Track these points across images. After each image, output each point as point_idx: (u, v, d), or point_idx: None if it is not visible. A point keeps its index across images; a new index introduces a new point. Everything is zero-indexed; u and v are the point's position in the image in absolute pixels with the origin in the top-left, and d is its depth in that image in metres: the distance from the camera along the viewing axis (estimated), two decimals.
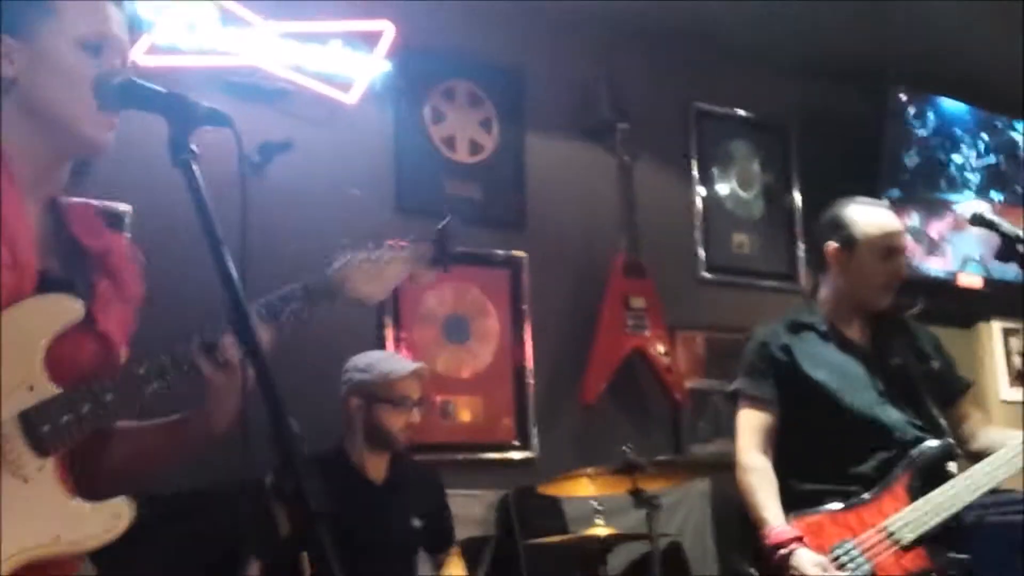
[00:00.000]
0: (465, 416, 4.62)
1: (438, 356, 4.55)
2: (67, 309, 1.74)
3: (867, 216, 3.27)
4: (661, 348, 4.94)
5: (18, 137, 1.77)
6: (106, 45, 1.80)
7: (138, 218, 3.93)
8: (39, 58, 1.77)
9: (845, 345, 3.24)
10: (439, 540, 3.72)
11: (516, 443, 4.70)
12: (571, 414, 4.84)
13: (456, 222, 2.08)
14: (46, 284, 1.75)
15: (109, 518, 1.68)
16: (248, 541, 1.59)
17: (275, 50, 4.23)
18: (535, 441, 4.72)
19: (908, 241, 3.41)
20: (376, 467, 3.61)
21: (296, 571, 1.65)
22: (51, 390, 1.69)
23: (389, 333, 4.43)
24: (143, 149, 3.74)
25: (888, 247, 3.22)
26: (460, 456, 4.53)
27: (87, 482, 1.76)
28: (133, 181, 3.86)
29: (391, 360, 3.73)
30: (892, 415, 3.13)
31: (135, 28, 3.88)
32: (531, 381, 4.77)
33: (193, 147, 1.58)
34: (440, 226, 2.05)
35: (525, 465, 4.66)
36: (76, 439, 1.70)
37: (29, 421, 1.66)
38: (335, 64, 4.36)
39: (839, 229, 3.27)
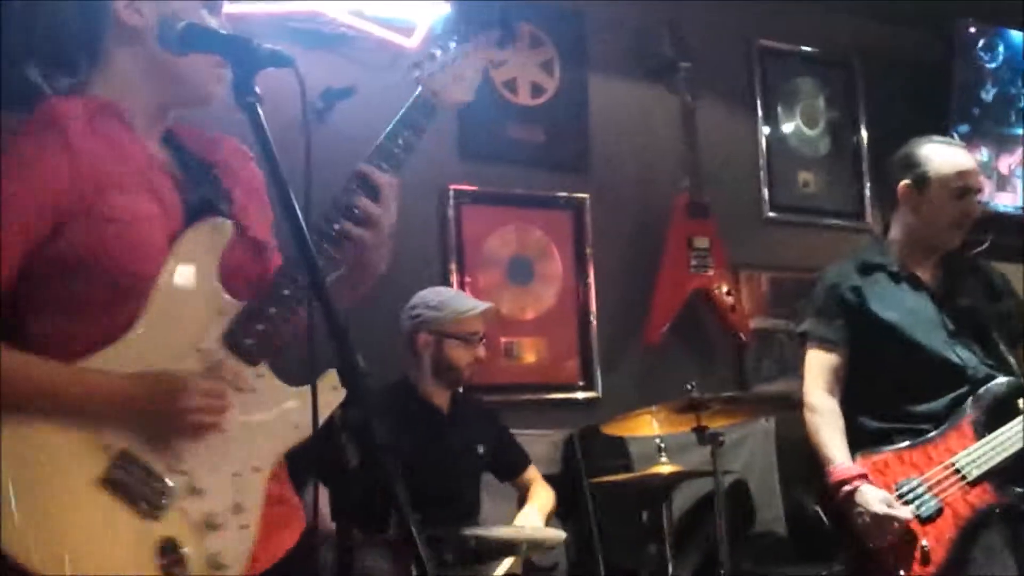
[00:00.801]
0: (529, 357, 4.65)
1: (502, 298, 4.57)
2: (218, 230, 1.84)
3: (941, 155, 3.23)
4: (724, 287, 4.92)
5: (140, 87, 1.86)
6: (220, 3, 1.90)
7: None
8: (165, 10, 1.82)
9: (916, 285, 3.23)
10: (511, 464, 3.86)
11: (580, 384, 4.73)
12: (634, 354, 4.86)
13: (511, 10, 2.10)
14: (190, 214, 1.83)
15: (331, 390, 1.66)
16: (312, 467, 1.65)
17: None
18: (599, 381, 4.75)
19: (981, 179, 3.34)
20: (441, 399, 3.72)
21: (362, 503, 1.71)
22: (237, 306, 1.80)
23: (453, 275, 4.47)
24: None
25: (961, 187, 3.20)
26: (525, 397, 4.57)
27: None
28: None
29: (461, 298, 3.81)
30: (962, 353, 3.12)
31: None
32: (594, 322, 4.78)
33: (257, 89, 1.61)
34: (499, 10, 2.10)
35: (589, 405, 4.70)
36: (277, 339, 1.81)
37: (233, 340, 1.78)
38: (396, 8, 4.35)
39: (912, 168, 3.25)
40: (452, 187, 4.52)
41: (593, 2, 5.02)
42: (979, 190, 3.27)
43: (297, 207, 1.54)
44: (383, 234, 1.88)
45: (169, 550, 1.65)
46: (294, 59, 1.68)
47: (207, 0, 1.89)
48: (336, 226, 1.84)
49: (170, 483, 1.69)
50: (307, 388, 1.69)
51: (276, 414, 1.79)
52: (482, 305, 3.73)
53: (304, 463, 1.80)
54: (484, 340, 3.75)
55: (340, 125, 4.22)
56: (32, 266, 1.71)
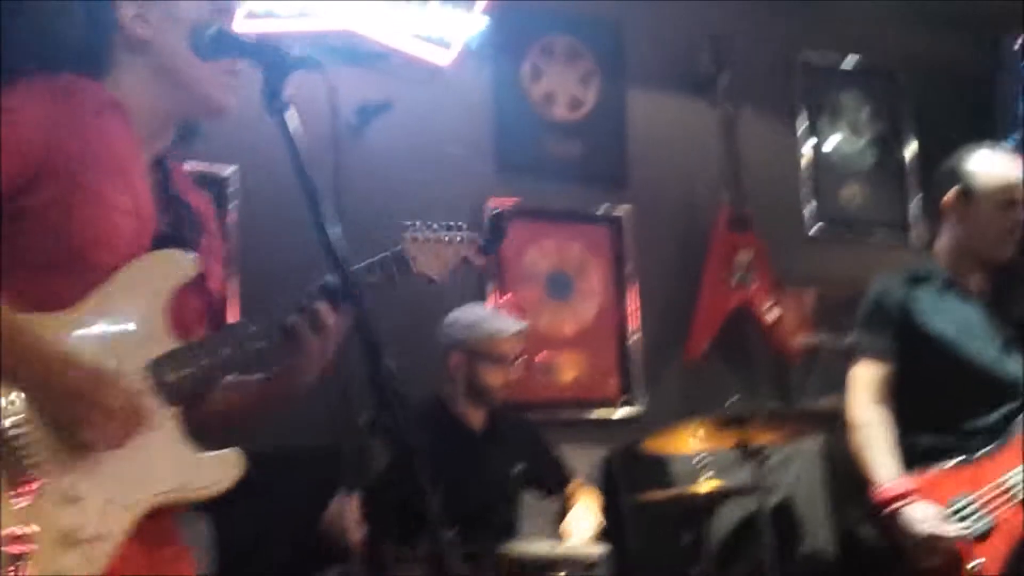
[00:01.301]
0: (569, 374, 4.60)
1: (541, 313, 4.53)
2: (186, 265, 1.82)
3: (987, 165, 3.18)
4: (769, 303, 4.84)
5: (145, 96, 1.84)
6: (233, 7, 1.88)
7: (242, 180, 3.99)
8: (172, 19, 1.81)
9: (965, 297, 3.18)
10: (553, 479, 3.78)
11: (621, 401, 4.67)
12: (676, 371, 4.79)
13: (508, 214, 2.15)
14: (161, 238, 1.81)
15: (227, 467, 1.76)
16: (345, 476, 1.61)
17: (372, 12, 4.22)
18: (640, 399, 4.68)
19: None
20: (476, 418, 3.67)
21: (392, 506, 1.67)
22: (171, 342, 1.76)
23: (492, 289, 4.43)
24: (246, 110, 3.88)
25: (1008, 198, 3.15)
26: (564, 414, 4.52)
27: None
28: (237, 142, 3.94)
29: (495, 319, 3.74)
30: (1013, 367, 3.07)
31: None
32: (635, 338, 4.72)
33: (287, 94, 1.60)
34: (493, 214, 2.13)
35: (630, 423, 4.63)
36: (196, 392, 1.78)
37: (157, 372, 1.73)
38: (433, 24, 4.34)
39: (958, 178, 3.21)
40: (490, 202, 4.48)
41: (632, 15, 4.98)
42: None
43: (326, 215, 1.53)
44: (327, 349, 1.86)
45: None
46: (322, 63, 1.68)
47: (217, 1, 1.86)
48: (290, 319, 1.83)
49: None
50: (211, 456, 1.75)
51: (171, 463, 1.74)
52: (515, 326, 3.67)
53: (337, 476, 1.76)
54: (520, 360, 3.69)
55: (377, 142, 4.21)
56: (7, 208, 1.68)
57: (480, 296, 4.36)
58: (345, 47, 4.17)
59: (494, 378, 3.59)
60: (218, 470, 1.77)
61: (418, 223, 2.03)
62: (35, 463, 1.59)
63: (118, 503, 1.67)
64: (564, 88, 4.79)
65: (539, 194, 4.61)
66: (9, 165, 1.65)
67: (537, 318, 4.48)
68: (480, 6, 4.41)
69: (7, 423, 1.57)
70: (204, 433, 1.85)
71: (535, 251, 4.60)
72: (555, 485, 3.78)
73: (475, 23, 4.43)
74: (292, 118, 1.60)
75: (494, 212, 2.15)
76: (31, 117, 1.69)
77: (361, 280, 1.89)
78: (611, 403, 4.66)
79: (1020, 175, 3.20)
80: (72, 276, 1.70)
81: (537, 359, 4.46)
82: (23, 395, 1.59)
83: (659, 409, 4.58)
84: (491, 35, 4.53)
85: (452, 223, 2.07)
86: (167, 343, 1.76)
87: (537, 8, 4.76)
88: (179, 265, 1.81)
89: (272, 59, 1.63)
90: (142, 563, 1.70)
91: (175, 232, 1.85)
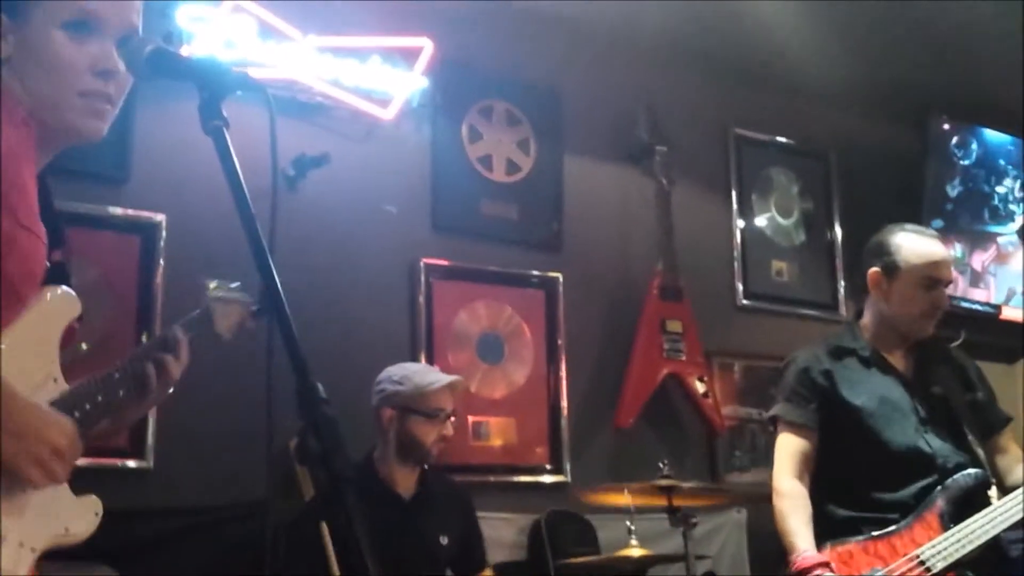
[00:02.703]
0: (498, 438, 4.54)
1: (472, 376, 4.48)
2: (74, 303, 1.81)
3: (912, 244, 3.21)
4: (698, 374, 4.85)
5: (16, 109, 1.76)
6: (95, 26, 1.76)
7: (171, 228, 3.90)
8: (25, 42, 1.74)
9: (887, 371, 3.20)
10: (470, 562, 3.64)
11: (549, 467, 4.62)
12: (605, 438, 4.76)
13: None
14: (49, 270, 1.78)
15: (94, 511, 1.77)
16: (271, 508, 1.55)
17: (313, 64, 4.22)
18: (568, 465, 4.63)
19: (953, 272, 3.33)
20: (406, 481, 3.55)
21: (319, 535, 1.60)
22: (63, 383, 1.75)
23: (423, 349, 4.38)
24: (176, 159, 3.83)
25: (930, 276, 3.17)
26: (493, 478, 4.45)
27: None
28: (167, 191, 3.87)
29: (426, 372, 3.67)
30: (933, 443, 3.08)
31: (175, 39, 3.89)
32: (565, 403, 4.69)
33: (224, 113, 1.56)
34: (255, 303, 2.18)
35: (558, 489, 4.57)
36: (92, 427, 1.76)
37: (63, 410, 1.69)
38: (373, 80, 4.34)
39: (883, 255, 3.22)
40: (424, 261, 4.45)
41: (571, 83, 5.03)
42: (949, 281, 3.23)
43: (261, 234, 1.49)
44: (164, 390, 1.93)
45: None
46: (264, 86, 1.64)
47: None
48: (144, 365, 1.88)
49: None
50: (82, 499, 1.76)
51: (62, 505, 1.73)
52: (447, 378, 3.59)
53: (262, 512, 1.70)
54: (453, 418, 3.61)
55: (313, 193, 4.17)
56: None
57: (412, 356, 4.30)
58: (285, 98, 4.14)
59: (425, 433, 3.50)
60: (90, 514, 1.77)
61: (211, 282, 2.13)
62: None
63: (27, 545, 1.64)
64: (501, 151, 4.81)
65: (473, 255, 4.60)
66: None
67: (468, 380, 4.43)
68: (421, 66, 4.43)
69: None
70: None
71: (467, 312, 4.57)
72: (471, 567, 3.64)
73: (416, 82, 4.44)
74: (229, 137, 1.55)
75: (255, 300, 2.19)
76: None
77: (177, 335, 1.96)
78: (541, 468, 4.60)
79: (944, 254, 3.23)
80: (7, 311, 1.66)
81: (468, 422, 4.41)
82: None
83: (588, 475, 4.53)
84: (431, 95, 4.54)
85: (234, 283, 2.15)
86: (62, 384, 1.75)
87: (477, 72, 4.79)
88: (73, 305, 1.81)
89: (212, 77, 1.58)
90: None
91: (60, 264, 1.83)
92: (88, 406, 1.74)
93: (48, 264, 1.79)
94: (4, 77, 1.74)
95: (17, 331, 1.67)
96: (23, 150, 1.71)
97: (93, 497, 1.79)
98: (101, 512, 1.78)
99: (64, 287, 1.80)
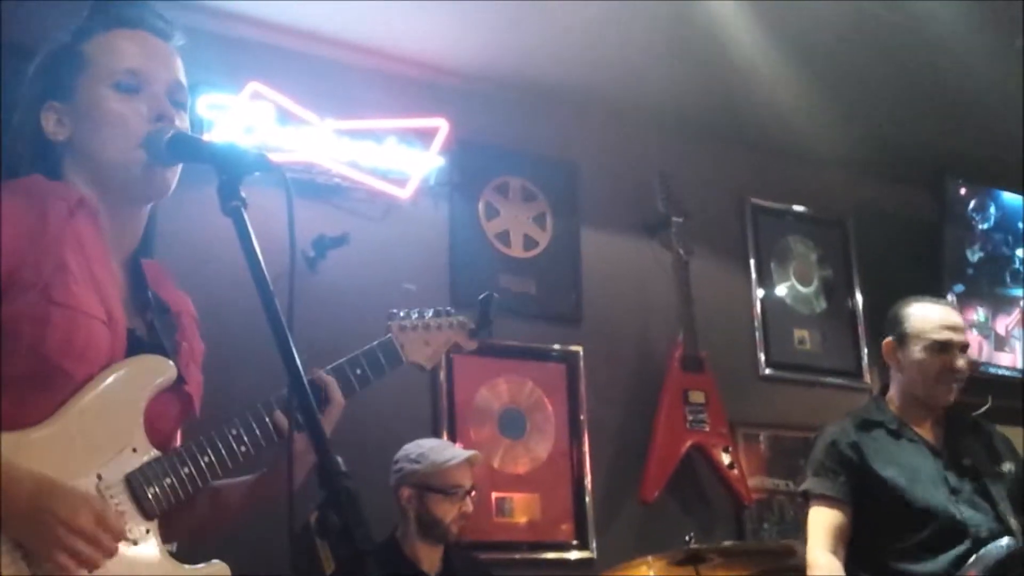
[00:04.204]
0: (523, 514, 4.50)
1: (494, 451, 4.47)
2: (164, 370, 1.76)
3: (920, 311, 3.30)
4: (722, 445, 4.81)
5: (87, 195, 1.78)
6: (142, 79, 1.80)
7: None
8: (79, 112, 1.79)
9: (915, 442, 3.22)
10: None
11: (574, 542, 4.56)
12: (630, 512, 4.71)
13: (497, 298, 2.19)
14: (135, 343, 1.76)
15: None
16: None
17: (331, 147, 4.28)
18: (593, 541, 4.58)
19: (970, 337, 3.37)
20: (430, 558, 3.53)
21: None
22: (151, 451, 1.71)
23: (444, 426, 4.37)
24: (197, 244, 3.87)
25: (939, 340, 3.21)
26: (518, 555, 4.40)
27: (170, 537, 1.75)
28: (184, 272, 3.90)
29: (442, 448, 3.66)
30: (964, 512, 3.07)
31: (195, 128, 3.95)
32: (589, 478, 4.65)
33: (243, 194, 1.57)
34: (482, 297, 2.16)
35: (584, 565, 4.52)
36: (176, 502, 1.71)
37: (136, 483, 1.67)
38: (390, 160, 4.41)
39: (895, 325, 3.31)
40: (436, 310, 4.43)
41: (586, 157, 5.08)
42: (963, 346, 3.26)
43: (282, 318, 1.48)
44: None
45: None
46: (279, 167, 1.66)
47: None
48: (273, 413, 1.81)
49: None
50: (194, 568, 1.71)
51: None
52: (463, 454, 3.59)
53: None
54: (473, 493, 3.60)
55: (332, 274, 4.20)
56: None
57: (434, 433, 4.29)
58: (303, 180, 4.20)
59: (445, 511, 3.49)
60: None
61: (403, 311, 2.04)
62: None
63: None
64: (518, 227, 4.85)
65: (494, 331, 4.59)
66: None
67: (491, 456, 4.43)
68: (437, 146, 4.49)
69: None
70: (196, 537, 1.82)
71: (488, 388, 4.56)
72: None
73: (432, 162, 4.49)
74: (248, 218, 1.57)
75: (483, 296, 2.16)
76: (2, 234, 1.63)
77: (347, 374, 1.88)
78: (567, 545, 4.55)
79: (953, 320, 3.28)
80: (48, 389, 1.64)
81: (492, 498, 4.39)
82: None
83: (613, 551, 4.47)
84: (448, 174, 4.59)
85: (439, 308, 2.08)
86: (147, 450, 1.71)
87: (492, 149, 4.84)
88: (155, 371, 1.76)
89: (230, 159, 1.61)
90: None
91: (150, 336, 1.80)
92: (170, 480, 1.69)
93: (141, 336, 1.78)
94: (65, 165, 1.79)
95: (77, 407, 1.65)
96: (69, 234, 1.70)
97: (217, 564, 1.75)
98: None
99: (148, 355, 1.75)
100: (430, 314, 2.09)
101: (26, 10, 3.61)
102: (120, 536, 1.60)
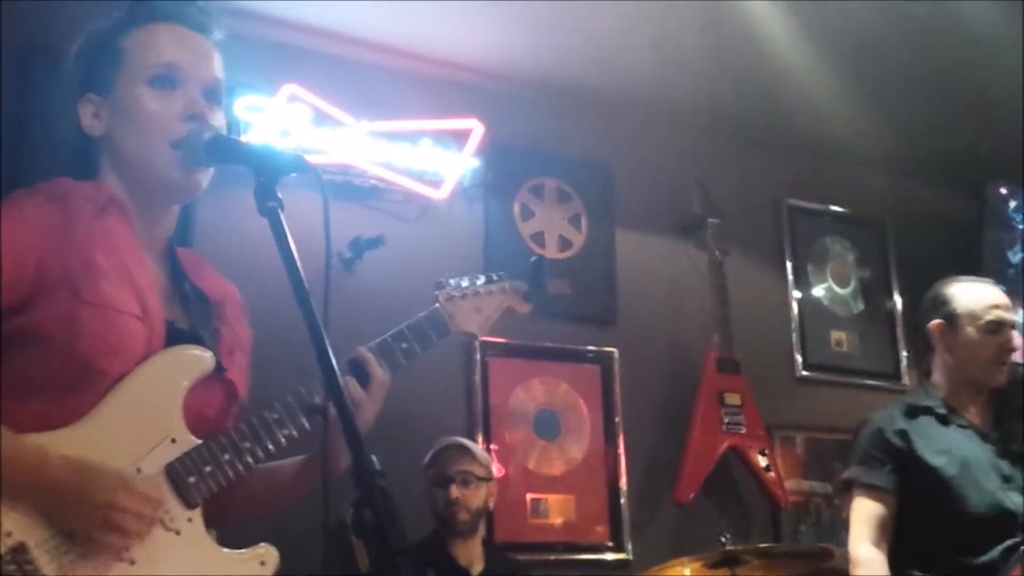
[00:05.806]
0: (558, 516, 4.50)
1: (530, 453, 4.47)
2: (200, 359, 1.78)
3: (968, 291, 3.22)
4: (759, 447, 4.78)
5: (121, 191, 1.81)
6: (179, 79, 1.82)
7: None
8: (116, 107, 1.81)
9: (965, 428, 3.14)
10: None
11: (609, 544, 4.56)
12: (665, 514, 4.69)
13: (544, 262, 2.13)
14: (173, 334, 1.78)
15: (257, 564, 1.73)
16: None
17: (367, 149, 4.30)
18: (629, 542, 4.57)
19: (1017, 317, 3.28)
20: (466, 555, 3.57)
21: None
22: (191, 441, 1.73)
23: (479, 427, 4.37)
24: (235, 244, 3.89)
25: (993, 320, 3.15)
26: (553, 556, 4.40)
27: (214, 522, 1.77)
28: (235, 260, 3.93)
29: (441, 442, 3.73)
30: (1016, 500, 2.99)
31: (232, 130, 3.98)
32: (624, 479, 4.64)
33: (279, 194, 1.59)
34: (533, 260, 2.15)
35: (619, 566, 4.52)
36: (218, 488, 1.73)
37: (175, 474, 1.69)
38: (425, 162, 4.42)
39: (941, 306, 3.23)
40: (479, 339, 4.46)
41: (621, 158, 5.06)
42: (1013, 324, 3.19)
43: (317, 316, 1.49)
44: (365, 420, 1.81)
45: None
46: (316, 167, 1.67)
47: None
48: (316, 396, 1.80)
49: None
50: (240, 553, 1.72)
51: (197, 567, 1.69)
52: (447, 440, 3.69)
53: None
54: (464, 478, 3.58)
55: (369, 275, 4.22)
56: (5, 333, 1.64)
57: (468, 434, 4.28)
58: (339, 182, 4.22)
59: (437, 501, 3.56)
60: (250, 567, 1.73)
61: (451, 280, 2.01)
62: None
63: None
64: (553, 228, 4.84)
65: (528, 332, 4.60)
66: (7, 278, 1.63)
67: (526, 457, 4.43)
68: (471, 147, 4.49)
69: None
70: (241, 520, 1.84)
71: (523, 389, 4.56)
72: None
73: (467, 163, 4.50)
74: (284, 219, 1.58)
75: (533, 259, 2.14)
76: (19, 238, 1.65)
77: (392, 349, 1.86)
78: (602, 547, 4.54)
79: (1003, 300, 3.21)
80: (85, 388, 1.66)
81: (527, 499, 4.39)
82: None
83: (648, 553, 4.46)
84: (482, 175, 4.60)
85: (490, 274, 2.06)
86: (187, 440, 1.72)
87: (527, 151, 4.83)
88: (193, 361, 1.77)
89: (266, 161, 1.62)
90: None
91: (189, 326, 1.82)
92: (210, 468, 1.70)
93: (182, 328, 1.80)
94: (103, 160, 1.82)
95: (112, 403, 1.67)
96: (99, 232, 1.73)
97: (263, 547, 1.76)
98: (272, 564, 1.75)
99: (182, 346, 1.76)
100: (481, 280, 2.06)
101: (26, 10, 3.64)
102: (159, 504, 1.63)
